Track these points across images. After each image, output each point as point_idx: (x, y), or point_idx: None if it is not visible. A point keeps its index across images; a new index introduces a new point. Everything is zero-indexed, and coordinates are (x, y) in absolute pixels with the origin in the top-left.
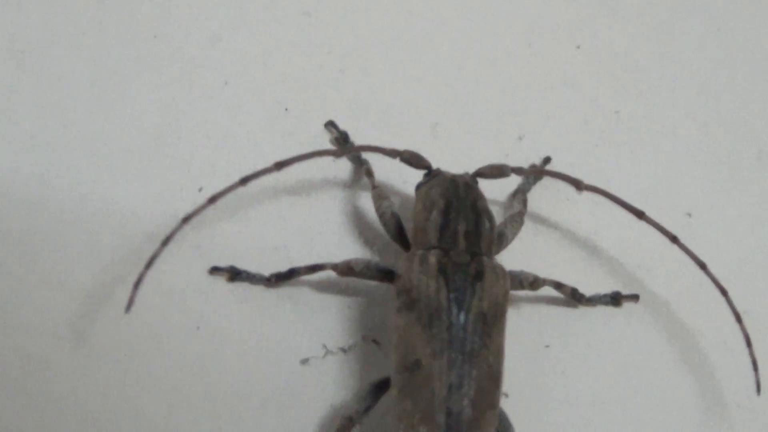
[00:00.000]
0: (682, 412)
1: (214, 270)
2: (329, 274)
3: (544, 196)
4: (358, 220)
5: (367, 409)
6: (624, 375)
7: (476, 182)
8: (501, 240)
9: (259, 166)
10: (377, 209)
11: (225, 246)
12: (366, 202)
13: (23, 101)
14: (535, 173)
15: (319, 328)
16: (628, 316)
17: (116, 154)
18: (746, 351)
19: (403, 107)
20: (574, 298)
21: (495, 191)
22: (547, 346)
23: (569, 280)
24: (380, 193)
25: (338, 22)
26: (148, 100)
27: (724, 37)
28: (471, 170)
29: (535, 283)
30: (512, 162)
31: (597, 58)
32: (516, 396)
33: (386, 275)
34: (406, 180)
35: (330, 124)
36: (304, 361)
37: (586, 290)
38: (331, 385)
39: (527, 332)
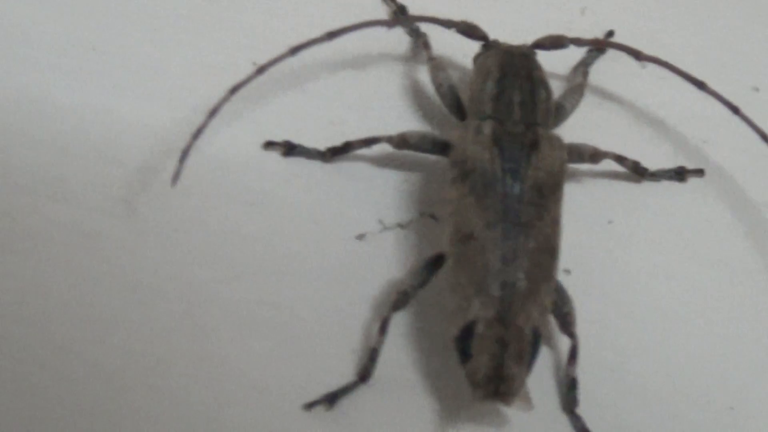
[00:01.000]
0: (747, 285)
1: (269, 144)
2: (386, 148)
3: (608, 70)
4: (416, 93)
5: (423, 284)
6: (689, 250)
7: (534, 53)
8: (559, 112)
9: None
10: (433, 81)
11: (280, 120)
12: (424, 75)
13: None
14: (593, 44)
15: (376, 204)
16: (692, 191)
17: (168, 25)
18: None
19: None
20: (636, 172)
21: (557, 65)
22: (611, 222)
23: (632, 155)
24: (437, 65)
25: None
26: None
27: None
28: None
29: (595, 155)
30: (574, 35)
31: None
32: (578, 272)
33: (443, 147)
34: (466, 54)
35: None
36: (360, 237)
37: (650, 165)
38: (387, 260)
39: (590, 207)
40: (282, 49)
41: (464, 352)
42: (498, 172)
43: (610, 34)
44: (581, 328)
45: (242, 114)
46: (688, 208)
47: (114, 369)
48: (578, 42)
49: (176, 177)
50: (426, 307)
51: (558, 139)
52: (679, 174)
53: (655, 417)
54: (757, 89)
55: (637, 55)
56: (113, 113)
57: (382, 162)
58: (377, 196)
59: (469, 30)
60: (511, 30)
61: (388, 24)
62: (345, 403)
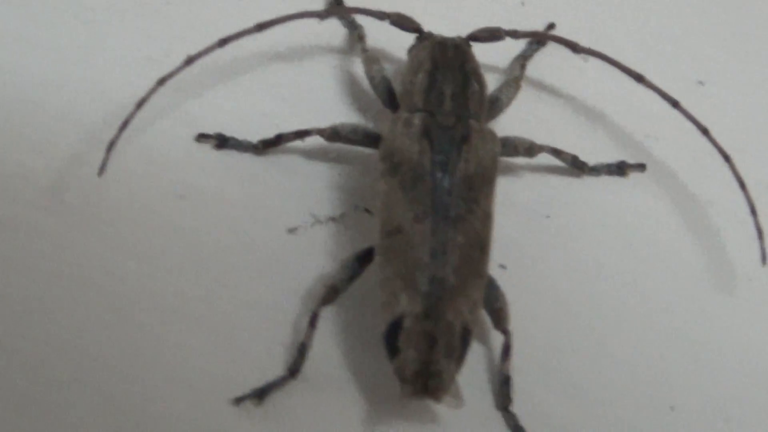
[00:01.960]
0: (688, 282)
1: (201, 137)
2: (320, 141)
3: (549, 63)
4: (351, 86)
5: (352, 278)
6: (629, 246)
7: (468, 45)
8: (495, 104)
9: None
10: (367, 73)
11: (213, 113)
12: (360, 68)
13: None
14: (529, 36)
15: (309, 197)
16: (633, 186)
17: (101, 16)
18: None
19: None
20: (575, 166)
21: (497, 58)
22: (548, 216)
23: (574, 149)
24: (370, 57)
25: None
26: None
27: None
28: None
29: (531, 149)
30: (514, 28)
31: None
32: (514, 267)
33: (375, 140)
34: (403, 46)
35: None
36: (292, 230)
37: (591, 160)
38: (319, 254)
39: (527, 202)
40: (214, 38)
41: (393, 348)
42: (427, 165)
43: (551, 26)
44: (517, 324)
45: (175, 106)
46: (628, 203)
47: (40, 362)
48: (514, 34)
49: (103, 168)
50: (357, 302)
51: (490, 132)
52: (620, 168)
53: (593, 416)
54: (701, 83)
55: (574, 47)
56: (43, 104)
57: (315, 155)
58: (310, 190)
59: (402, 21)
60: (451, 22)
61: (320, 15)
62: (274, 398)
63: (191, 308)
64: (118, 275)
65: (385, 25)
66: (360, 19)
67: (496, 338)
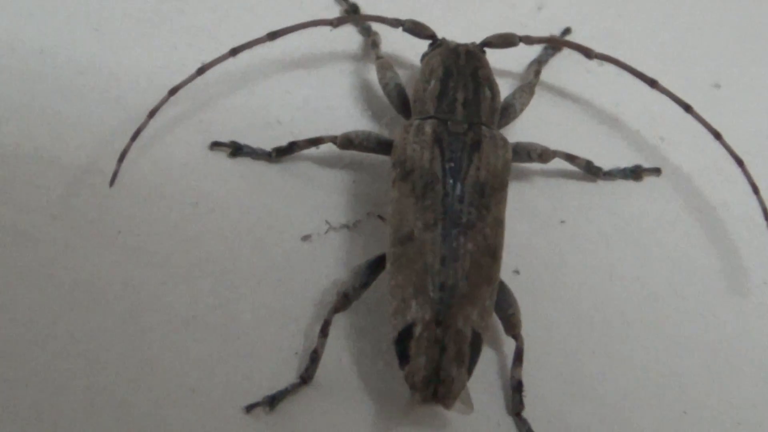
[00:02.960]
0: (702, 286)
1: (215, 145)
2: (333, 148)
3: (563, 68)
4: (364, 93)
5: (364, 286)
6: (643, 250)
7: (483, 52)
8: (508, 111)
9: None
10: (380, 80)
11: (227, 121)
12: (374, 75)
13: None
14: (543, 42)
15: (322, 204)
16: (649, 191)
17: (116, 27)
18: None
19: None
20: (589, 171)
21: (512, 64)
22: (563, 222)
23: (588, 154)
24: (383, 64)
25: None
26: None
27: None
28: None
29: (544, 154)
30: (530, 33)
31: None
32: (528, 272)
33: (387, 147)
34: (418, 53)
35: None
36: (306, 238)
37: (607, 164)
38: (332, 262)
39: (542, 207)
40: (228, 48)
41: (403, 355)
42: (438, 172)
43: (567, 31)
44: (530, 329)
45: (189, 115)
46: (643, 207)
47: (51, 370)
48: (528, 40)
49: (114, 178)
50: (369, 309)
51: (502, 139)
52: (635, 173)
53: (606, 422)
54: (717, 86)
55: (587, 53)
56: (57, 114)
57: (329, 162)
58: (324, 197)
59: (415, 28)
60: (466, 28)
61: (333, 24)
62: (286, 406)
63: (204, 316)
64: (130, 284)
65: (400, 32)
66: (374, 25)
67: (509, 344)
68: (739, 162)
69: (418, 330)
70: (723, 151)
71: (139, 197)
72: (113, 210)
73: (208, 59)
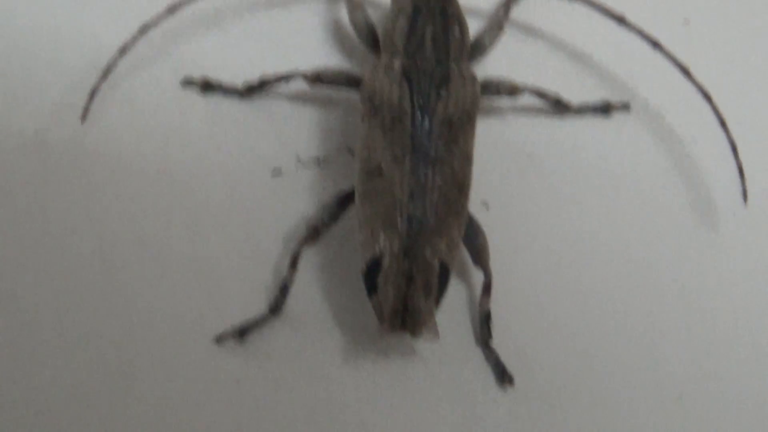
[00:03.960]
0: (673, 221)
1: (186, 82)
2: (304, 85)
3: (533, 4)
4: (335, 31)
5: (334, 219)
6: (613, 185)
7: None
8: (477, 47)
9: None
10: (351, 19)
11: (198, 58)
12: (344, 13)
13: None
14: None
15: (293, 139)
16: (618, 126)
17: None
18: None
19: None
20: (558, 106)
21: (481, 2)
22: (532, 156)
23: (558, 90)
24: (354, 2)
25: None
26: None
27: None
28: None
29: (513, 89)
30: None
31: None
32: (497, 206)
33: (357, 83)
34: None
35: None
36: (276, 173)
37: (576, 100)
38: (303, 196)
39: (512, 142)
40: None
41: (372, 286)
42: (407, 108)
43: None
44: (499, 263)
45: (160, 52)
46: (612, 142)
47: (22, 304)
48: None
49: (85, 114)
50: (338, 243)
51: (470, 74)
52: (604, 108)
53: (574, 355)
54: (687, 22)
55: None
56: (27, 51)
57: (300, 98)
58: (294, 132)
59: None
60: None
61: None
62: (256, 338)
63: (174, 250)
64: (101, 219)
65: None
66: None
67: (478, 276)
68: (707, 97)
69: (386, 261)
70: (691, 86)
71: (110, 134)
72: (84, 147)
73: None
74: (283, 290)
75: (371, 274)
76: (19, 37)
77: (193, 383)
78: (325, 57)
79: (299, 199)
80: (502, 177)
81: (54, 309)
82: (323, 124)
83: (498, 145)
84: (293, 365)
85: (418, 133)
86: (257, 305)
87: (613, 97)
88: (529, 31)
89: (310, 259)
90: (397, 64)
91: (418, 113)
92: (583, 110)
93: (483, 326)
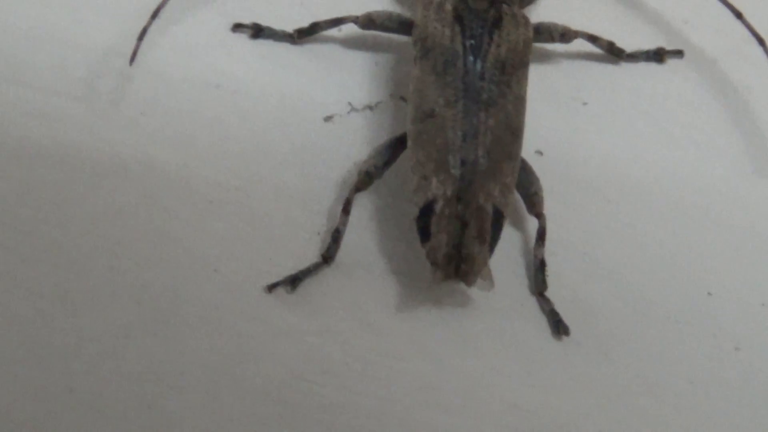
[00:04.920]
0: (725, 168)
1: (237, 26)
2: (355, 29)
3: None
4: None
5: (386, 164)
6: (666, 132)
7: None
8: None
9: None
10: None
11: (249, 3)
12: None
13: None
14: None
15: (345, 86)
16: (672, 73)
17: None
18: None
19: None
20: (612, 52)
21: None
22: (585, 103)
23: (611, 36)
24: None
25: None
26: None
27: None
28: None
29: (566, 34)
30: None
31: None
32: (551, 153)
33: (409, 27)
34: None
35: None
36: (328, 119)
37: (629, 46)
38: (355, 142)
39: (564, 89)
40: None
41: (424, 232)
42: (459, 49)
43: None
44: (553, 210)
45: None
46: (665, 89)
47: (74, 250)
48: None
49: (134, 56)
50: (392, 189)
51: (523, 17)
52: (658, 55)
53: (629, 302)
54: None
55: None
56: None
57: (351, 44)
58: (346, 78)
59: None
60: None
61: None
62: (307, 286)
63: (225, 197)
64: (152, 165)
65: None
66: None
67: (532, 224)
68: (761, 41)
69: (439, 206)
70: (745, 33)
71: (160, 79)
72: (135, 92)
73: None
74: (336, 237)
75: (424, 219)
76: None
77: (244, 333)
78: (377, 1)
79: (351, 146)
80: (556, 124)
81: (105, 258)
82: (375, 71)
83: (552, 92)
84: (345, 314)
85: (471, 76)
86: (309, 253)
87: (667, 44)
88: None
89: (362, 206)
90: (448, 5)
91: (470, 55)
92: (636, 57)
93: (538, 275)
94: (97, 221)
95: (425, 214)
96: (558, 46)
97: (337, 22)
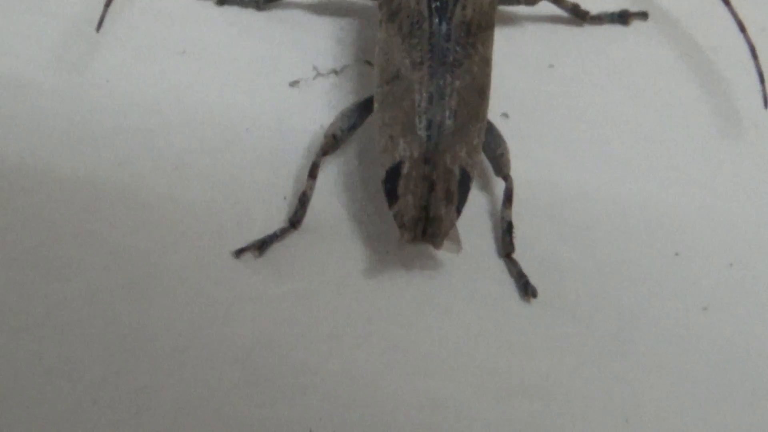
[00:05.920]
0: (693, 128)
1: None
2: None
3: None
4: None
5: (353, 128)
6: (632, 94)
7: None
8: None
9: None
10: None
11: None
12: None
13: None
14: None
15: (311, 50)
16: (636, 35)
17: None
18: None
19: None
20: (576, 14)
21: None
22: (551, 66)
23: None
24: None
25: None
26: None
27: None
28: None
29: None
30: None
31: None
32: (517, 116)
33: None
34: None
35: None
36: (294, 84)
37: (594, 8)
38: (320, 107)
39: (530, 52)
40: None
41: (392, 194)
42: (424, 11)
43: None
44: (520, 173)
45: None
46: (631, 51)
47: (40, 217)
48: None
49: (101, 23)
50: (358, 154)
51: None
52: (622, 17)
53: (597, 263)
54: None
55: None
56: None
57: (316, 8)
58: (312, 43)
59: None
60: None
61: None
62: (275, 251)
63: (192, 162)
64: (119, 130)
65: None
66: None
67: (499, 186)
68: (725, 1)
69: (406, 168)
70: None
71: (127, 46)
72: (102, 59)
73: None
74: (303, 202)
75: (391, 182)
76: None
77: (212, 298)
78: None
79: (317, 110)
80: (522, 87)
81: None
82: (340, 35)
83: (518, 55)
84: (313, 279)
85: (437, 38)
86: (277, 217)
87: (631, 6)
88: None
89: (329, 170)
90: None
91: (436, 17)
92: (600, 19)
93: (505, 237)
94: (64, 187)
95: (392, 176)
96: (524, 9)
97: None
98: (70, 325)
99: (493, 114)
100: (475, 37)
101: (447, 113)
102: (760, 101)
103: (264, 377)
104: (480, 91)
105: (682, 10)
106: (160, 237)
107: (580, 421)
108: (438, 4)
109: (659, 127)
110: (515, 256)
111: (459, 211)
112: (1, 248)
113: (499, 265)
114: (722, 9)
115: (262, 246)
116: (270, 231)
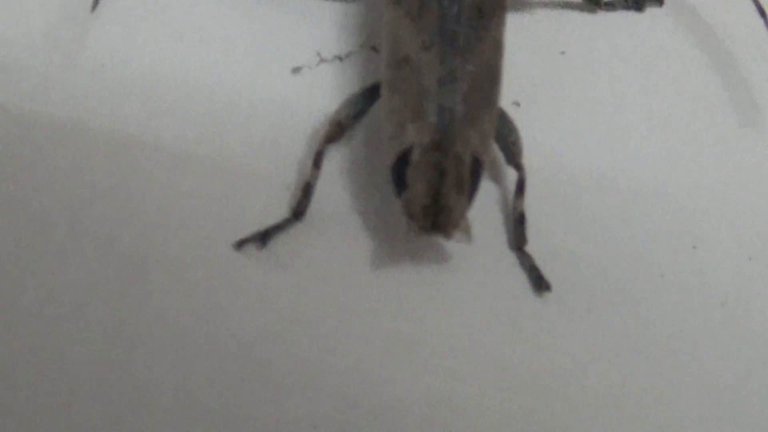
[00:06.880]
0: (708, 117)
1: None
2: None
3: None
4: None
5: (358, 115)
6: (646, 81)
7: None
8: None
9: None
10: None
11: None
12: None
13: None
14: None
15: (314, 36)
16: (651, 20)
17: None
18: None
19: None
20: (591, 1)
21: None
22: (563, 53)
23: None
24: None
25: None
26: None
27: None
28: None
29: None
30: None
31: None
32: (529, 104)
33: None
34: None
35: None
36: (297, 70)
37: None
38: (324, 94)
39: (542, 38)
40: None
41: (400, 183)
42: None
43: None
44: (532, 162)
45: None
46: (644, 38)
47: (33, 207)
48: None
49: (95, 5)
50: (364, 142)
51: None
52: (637, 3)
53: (612, 255)
54: None
55: None
56: None
57: None
58: (315, 28)
59: None
60: None
61: None
62: (278, 242)
63: (192, 151)
64: (114, 118)
65: None
66: None
67: (511, 177)
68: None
69: (415, 155)
70: None
71: (122, 30)
72: (96, 43)
73: None
74: (307, 192)
75: (400, 169)
76: None
77: (214, 291)
78: None
79: (321, 97)
80: (534, 75)
81: (66, 212)
82: (344, 21)
83: (529, 42)
84: (318, 271)
85: (447, 19)
86: (279, 208)
87: None
88: None
89: (334, 158)
90: None
91: None
92: (614, 5)
93: (517, 229)
94: (57, 177)
95: (401, 164)
96: None
97: None
98: (68, 317)
99: (505, 102)
100: (487, 19)
101: (458, 98)
102: None
103: (267, 373)
104: (492, 75)
105: None
106: (159, 228)
107: (594, 418)
108: None
109: (675, 116)
110: (528, 248)
111: (470, 200)
112: None
113: (510, 258)
114: None
115: (263, 237)
116: (272, 222)
